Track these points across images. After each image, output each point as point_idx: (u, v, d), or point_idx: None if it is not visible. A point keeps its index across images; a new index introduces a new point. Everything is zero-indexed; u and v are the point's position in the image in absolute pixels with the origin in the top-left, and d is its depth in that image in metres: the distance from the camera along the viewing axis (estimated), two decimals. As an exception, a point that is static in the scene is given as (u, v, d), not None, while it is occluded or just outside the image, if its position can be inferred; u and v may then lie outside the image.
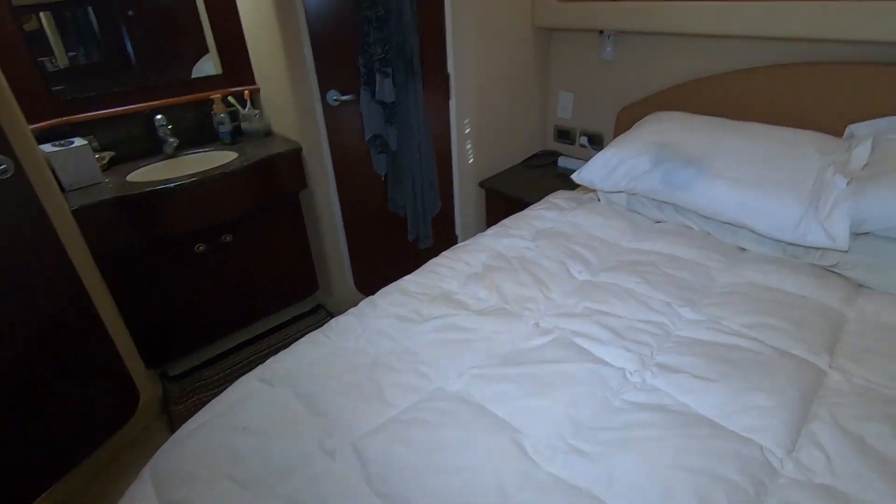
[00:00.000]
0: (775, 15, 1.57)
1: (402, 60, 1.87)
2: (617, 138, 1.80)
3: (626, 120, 2.15)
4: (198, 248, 1.91)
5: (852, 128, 1.56)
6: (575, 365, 1.09)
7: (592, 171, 1.74)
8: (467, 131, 2.20)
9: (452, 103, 2.12)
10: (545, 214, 1.78)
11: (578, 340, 1.17)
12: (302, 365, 1.15)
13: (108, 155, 1.85)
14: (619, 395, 1.03)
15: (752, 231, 1.44)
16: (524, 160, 2.53)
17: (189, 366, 2.09)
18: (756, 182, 1.42)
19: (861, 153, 1.43)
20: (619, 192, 1.73)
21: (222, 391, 1.11)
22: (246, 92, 2.10)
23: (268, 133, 2.17)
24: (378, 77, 1.84)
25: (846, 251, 1.30)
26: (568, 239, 1.61)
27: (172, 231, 1.77)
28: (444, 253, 1.61)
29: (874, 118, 1.53)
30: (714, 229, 1.57)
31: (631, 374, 1.08)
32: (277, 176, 1.98)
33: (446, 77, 2.06)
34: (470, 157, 2.27)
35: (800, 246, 1.39)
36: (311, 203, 2.13)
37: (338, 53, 1.87)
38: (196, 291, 1.99)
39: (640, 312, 1.25)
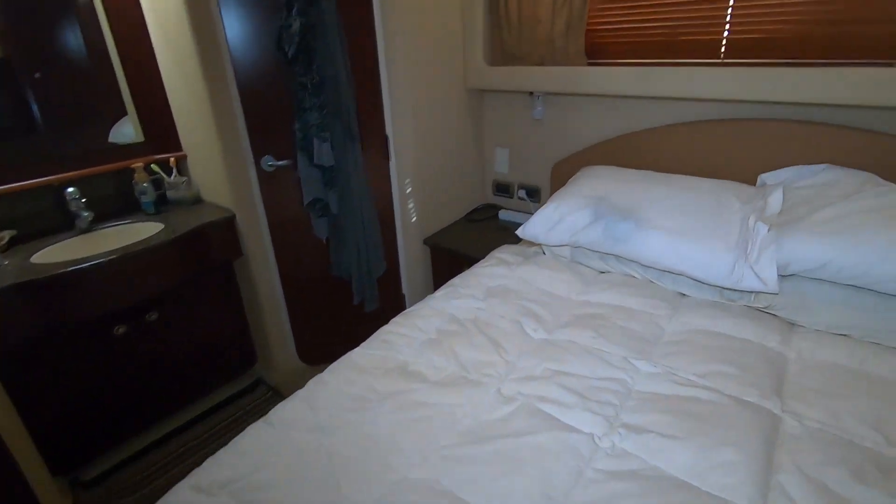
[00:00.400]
0: (691, 79, 1.72)
1: (340, 124, 1.86)
2: (556, 193, 1.85)
3: (561, 173, 2.24)
4: (117, 330, 1.72)
5: (763, 177, 1.71)
6: (543, 435, 1.05)
7: (536, 226, 1.78)
8: (408, 190, 2.19)
9: (392, 164, 2.11)
10: (494, 271, 1.78)
11: (543, 406, 1.13)
12: (245, 466, 1.02)
13: (7, 234, 1.64)
14: (590, 465, 0.99)
15: (691, 278, 1.51)
16: (466, 215, 2.55)
17: (108, 466, 1.82)
18: (690, 232, 1.50)
19: (775, 201, 1.56)
20: (564, 245, 1.76)
21: (149, 499, 0.95)
22: (171, 159, 1.98)
23: (197, 201, 2.04)
24: (316, 142, 1.80)
25: (777, 293, 1.38)
26: (519, 296, 1.60)
27: (87, 315, 1.58)
28: (394, 319, 1.55)
29: (780, 168, 1.68)
30: (655, 277, 1.63)
31: (599, 438, 1.05)
32: (209, 245, 1.85)
33: (385, 139, 2.07)
34: (413, 216, 2.25)
35: (735, 290, 1.46)
36: (246, 271, 2.01)
37: (272, 118, 1.83)
38: (115, 379, 1.77)
39: (599, 369, 1.24)
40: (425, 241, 2.33)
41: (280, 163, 1.87)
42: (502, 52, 2.18)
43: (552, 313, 1.52)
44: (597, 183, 1.81)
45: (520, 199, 2.51)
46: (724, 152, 1.79)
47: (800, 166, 1.63)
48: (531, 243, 1.99)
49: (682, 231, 1.51)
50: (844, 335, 1.32)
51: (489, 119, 2.46)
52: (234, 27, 1.66)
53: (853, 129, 1.55)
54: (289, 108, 1.82)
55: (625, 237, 1.58)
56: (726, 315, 1.43)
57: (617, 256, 1.68)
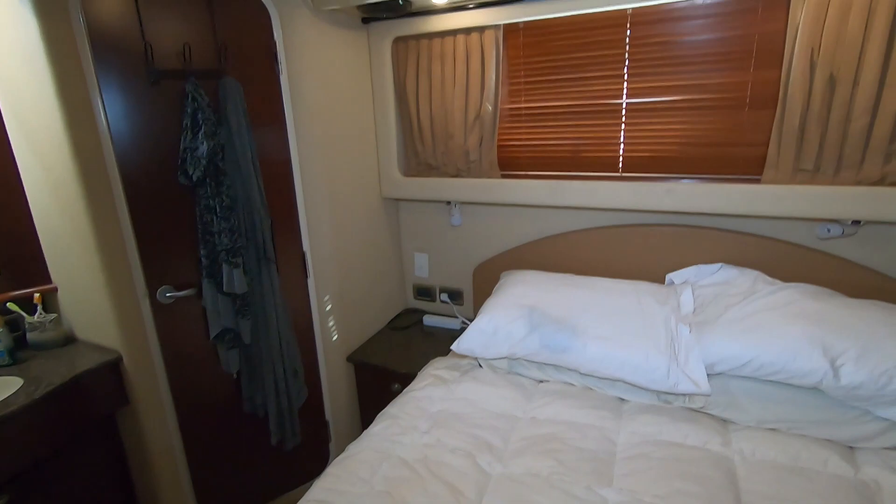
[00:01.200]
0: (594, 191, 1.87)
1: (253, 247, 1.70)
2: (485, 304, 1.84)
3: (483, 276, 2.26)
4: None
5: (670, 276, 1.86)
6: None
7: (472, 341, 1.72)
8: (329, 308, 2.04)
9: (311, 281, 1.97)
10: (433, 393, 1.66)
11: (522, 570, 1.01)
12: None
13: None
14: None
15: (631, 385, 1.53)
16: (389, 322, 2.44)
17: None
18: (624, 338, 1.54)
19: (686, 300, 1.69)
20: (502, 358, 1.72)
21: None
22: (36, 295, 1.65)
23: (69, 341, 1.70)
24: (226, 268, 1.62)
25: (710, 394, 1.44)
26: (465, 421, 1.50)
27: None
28: (329, 470, 1.35)
29: (682, 267, 1.85)
30: (593, 384, 1.63)
31: None
32: (85, 398, 1.52)
33: (302, 255, 1.93)
34: (334, 334, 2.09)
35: (670, 393, 1.51)
36: (134, 423, 1.66)
37: (172, 244, 1.62)
38: None
39: (567, 507, 1.16)
40: (349, 359, 2.16)
41: (181, 293, 1.65)
42: (418, 162, 2.22)
43: (503, 438, 1.43)
44: (524, 291, 1.83)
45: (442, 302, 2.47)
46: (630, 254, 1.93)
47: (699, 266, 1.81)
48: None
49: (617, 338, 1.55)
50: (774, 430, 1.39)
51: (407, 226, 2.45)
52: (125, 141, 1.48)
53: (736, 233, 1.76)
54: (193, 232, 1.63)
55: (563, 347, 1.58)
56: (668, 419, 1.45)
57: (556, 366, 1.67)
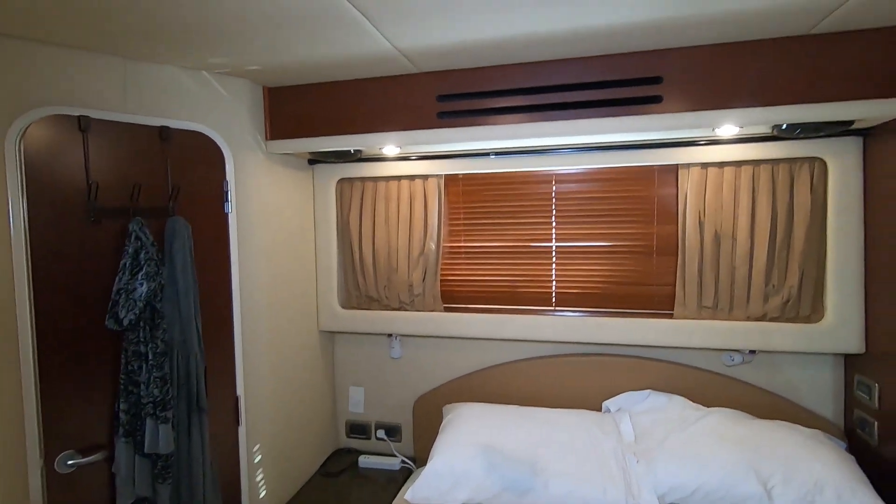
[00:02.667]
0: (531, 325, 2.00)
1: (185, 397, 1.52)
2: (437, 444, 1.78)
3: (424, 409, 2.20)
4: None
5: (605, 403, 1.98)
6: None
7: (429, 488, 1.63)
8: (258, 459, 1.83)
9: (242, 430, 1.77)
10: (388, 556, 1.50)
11: None
12: None
13: None
14: None
15: (595, 525, 1.53)
16: (320, 468, 2.22)
17: None
18: (582, 474, 1.58)
19: (626, 429, 1.79)
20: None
21: None
22: None
23: None
24: (150, 424, 1.41)
25: (667, 527, 1.49)
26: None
27: None
28: None
29: (615, 394, 1.98)
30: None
31: None
32: None
33: (235, 401, 1.75)
34: (262, 490, 1.84)
35: (631, 529, 1.53)
36: None
37: (85, 399, 1.39)
38: None
39: None
40: (278, 519, 1.89)
41: (87, 459, 1.38)
42: (358, 296, 2.22)
43: None
44: (474, 427, 1.82)
45: (379, 439, 2.32)
46: (567, 383, 2.04)
47: (630, 393, 1.95)
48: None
49: (575, 474, 1.58)
50: (727, 558, 1.46)
51: (342, 360, 2.36)
52: (49, 281, 1.32)
53: (658, 361, 1.97)
54: (112, 384, 1.43)
55: (526, 488, 1.56)
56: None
57: (514, 507, 1.62)
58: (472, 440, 1.73)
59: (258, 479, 1.83)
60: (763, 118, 1.47)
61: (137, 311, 1.40)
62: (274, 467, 1.89)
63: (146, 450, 1.41)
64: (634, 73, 1.54)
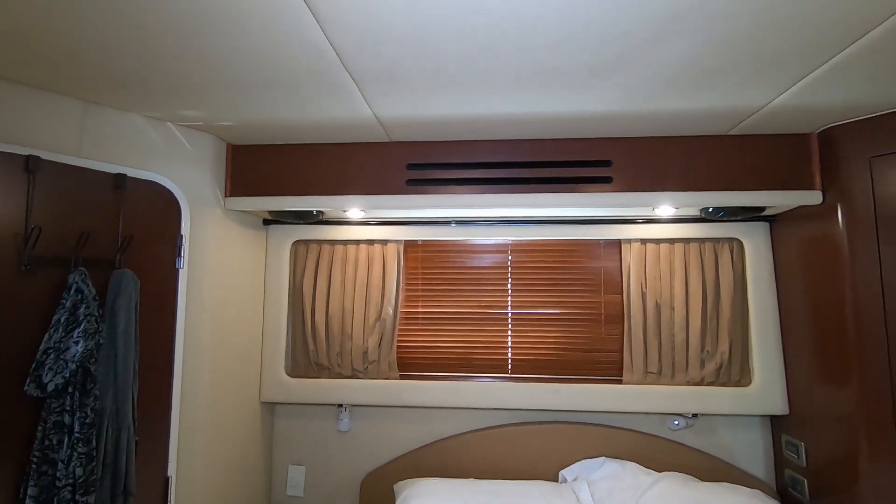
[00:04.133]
0: (491, 393, 1.99)
1: (109, 478, 1.30)
2: (395, 524, 1.65)
3: (373, 487, 2.05)
4: None
5: (563, 472, 1.97)
6: None
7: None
8: (186, 553, 1.57)
9: (170, 519, 1.53)
10: None
11: None
12: None
13: None
14: None
15: None
16: (249, 566, 1.94)
17: None
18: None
19: (585, 498, 1.78)
20: None
21: None
22: None
23: None
24: (64, 512, 1.19)
25: None
26: None
27: None
28: None
29: (569, 462, 1.98)
30: None
31: None
32: None
33: (165, 483, 1.52)
34: (186, 593, 1.57)
35: None
36: None
37: (-21, 484, 1.15)
38: None
39: None
40: None
41: (-26, 561, 1.12)
42: (307, 363, 2.10)
43: None
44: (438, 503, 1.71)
45: (319, 527, 2.10)
46: (522, 452, 2.01)
47: (584, 461, 1.96)
48: None
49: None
50: None
51: (282, 435, 2.16)
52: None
53: (610, 427, 2.02)
54: (17, 464, 1.20)
55: (493, 570, 1.47)
56: None
57: None
58: (434, 518, 1.63)
59: (182, 581, 1.56)
60: (691, 201, 1.69)
61: (67, 374, 1.22)
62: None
63: (55, 546, 1.17)
64: (589, 156, 1.73)
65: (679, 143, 1.70)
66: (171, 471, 1.55)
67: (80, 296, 1.27)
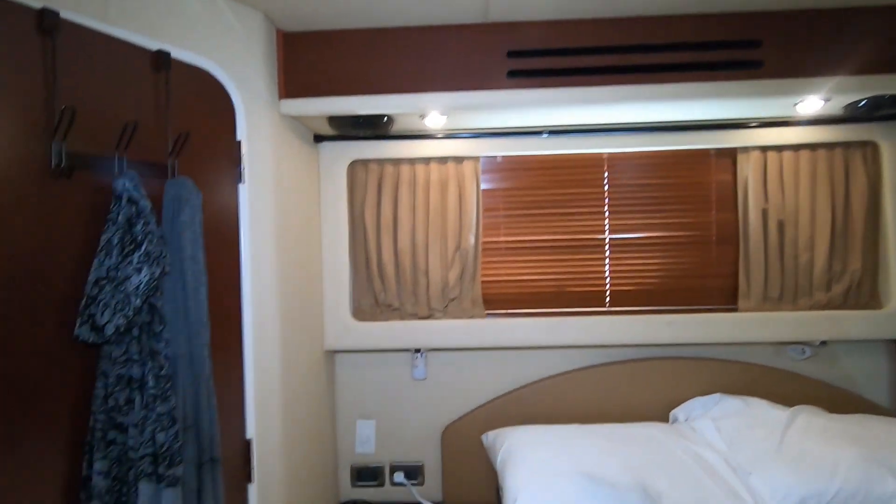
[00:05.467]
0: (590, 329, 1.75)
1: (192, 444, 1.01)
2: (511, 482, 1.41)
3: (455, 441, 1.82)
4: None
5: (674, 412, 1.76)
6: None
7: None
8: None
9: (253, 489, 1.25)
10: None
11: None
12: None
13: None
14: None
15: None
16: (326, 531, 1.71)
17: None
18: (700, 496, 1.32)
19: (715, 439, 1.58)
20: None
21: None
22: None
23: None
24: (146, 490, 0.90)
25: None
26: None
27: None
28: None
29: (678, 401, 1.78)
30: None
31: None
32: None
33: (246, 447, 1.25)
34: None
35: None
36: None
37: (22, 463, 0.84)
38: None
39: None
40: None
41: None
42: (373, 304, 1.81)
43: None
44: (549, 454, 1.48)
45: (395, 484, 1.87)
46: (624, 393, 1.80)
47: (697, 399, 1.76)
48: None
49: (696, 496, 1.32)
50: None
51: (347, 387, 1.89)
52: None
53: (722, 361, 1.80)
54: (71, 433, 0.90)
55: (648, 524, 1.26)
56: None
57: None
58: (562, 469, 1.40)
59: (270, 558, 1.31)
60: (862, 87, 1.40)
61: (131, 313, 0.90)
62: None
63: (140, 532, 0.88)
64: (732, 36, 1.41)
65: (847, 16, 1.39)
66: (251, 432, 1.26)
67: (133, 208, 0.93)
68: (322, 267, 1.76)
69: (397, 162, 1.78)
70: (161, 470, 0.91)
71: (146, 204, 0.95)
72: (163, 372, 0.93)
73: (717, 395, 1.74)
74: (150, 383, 0.92)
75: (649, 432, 1.61)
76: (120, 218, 0.92)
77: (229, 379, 1.21)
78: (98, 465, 0.89)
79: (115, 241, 0.91)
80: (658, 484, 1.35)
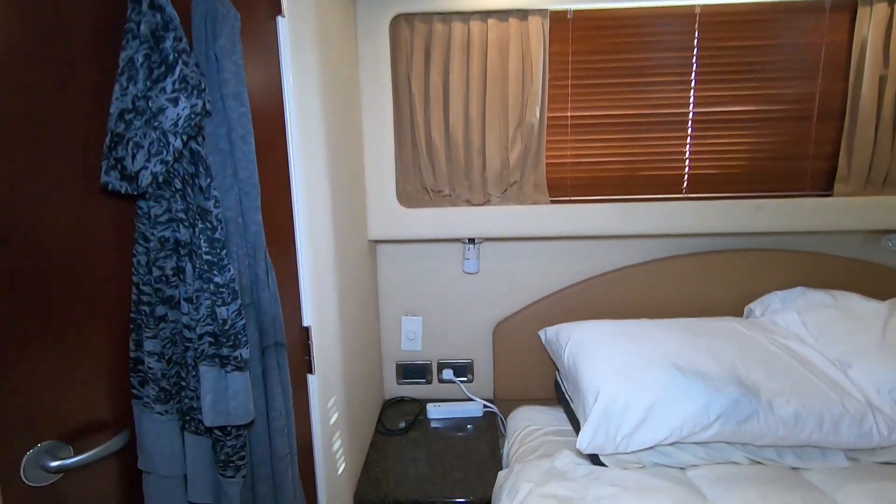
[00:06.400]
0: (665, 216, 1.56)
1: (252, 324, 0.85)
2: (588, 375, 1.29)
3: (510, 335, 1.70)
4: None
5: (751, 307, 1.63)
6: None
7: (611, 429, 1.16)
8: (334, 419, 1.21)
9: (314, 379, 1.13)
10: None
11: None
12: None
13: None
14: None
15: (837, 448, 1.18)
16: (377, 426, 1.64)
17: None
18: (803, 390, 1.20)
19: (799, 331, 1.45)
20: (659, 445, 1.19)
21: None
22: None
23: None
24: (209, 374, 0.75)
25: (915, 439, 1.18)
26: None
27: None
28: None
29: (756, 296, 1.64)
30: (765, 456, 1.22)
31: None
32: None
33: (305, 335, 1.10)
34: (340, 463, 1.24)
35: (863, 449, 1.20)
36: None
37: (52, 340, 0.68)
38: None
39: None
40: (359, 502, 1.31)
41: (84, 457, 0.69)
42: (419, 189, 1.60)
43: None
44: (628, 347, 1.36)
45: (443, 381, 1.79)
46: (696, 288, 1.65)
47: (776, 293, 1.61)
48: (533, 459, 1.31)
49: (797, 390, 1.20)
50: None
51: (391, 280, 1.74)
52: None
53: (806, 253, 1.64)
54: (113, 306, 0.73)
55: (746, 414, 1.15)
56: (882, 483, 1.13)
57: (709, 443, 1.21)
58: (648, 361, 1.28)
59: (335, 447, 1.22)
60: None
61: (170, 158, 0.69)
62: (348, 430, 1.29)
63: (208, 422, 0.74)
64: None
65: None
66: (308, 320, 1.11)
67: (159, 16, 0.69)
68: (363, 144, 1.53)
69: (448, 17, 1.48)
70: (225, 351, 0.75)
71: (173, 12, 0.70)
72: (217, 235, 0.74)
73: (798, 289, 1.60)
74: (204, 248, 0.73)
75: (730, 325, 1.48)
76: (142, 28, 0.68)
77: (282, 260, 1.03)
78: (149, 346, 0.73)
79: (140, 59, 0.68)
80: (753, 375, 1.24)
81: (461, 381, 1.78)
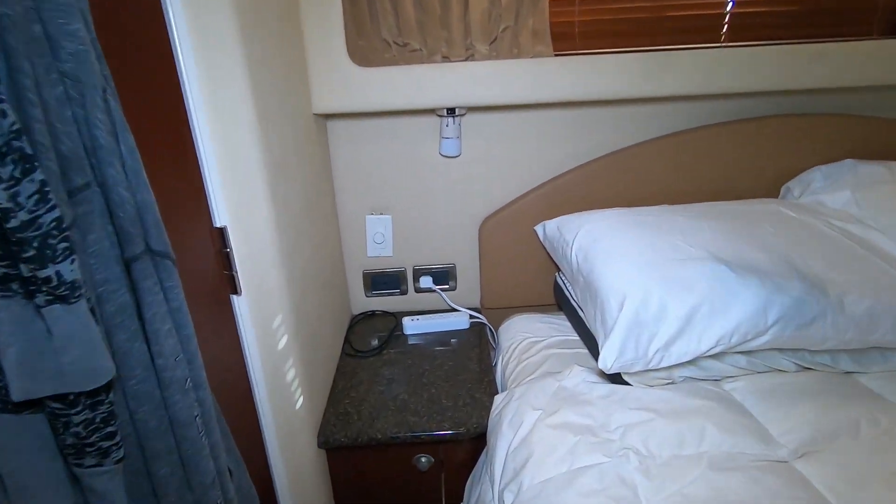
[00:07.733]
0: (696, 72, 1.20)
1: (102, 229, 0.50)
2: (610, 277, 1.01)
3: (498, 232, 1.40)
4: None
5: (788, 185, 1.36)
6: None
7: (642, 341, 0.91)
8: (283, 343, 0.91)
9: (240, 300, 0.80)
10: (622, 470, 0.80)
11: None
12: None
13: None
14: None
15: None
16: (343, 346, 1.37)
17: None
18: (868, 283, 0.96)
19: (853, 211, 1.20)
20: (701, 356, 0.95)
21: None
22: None
23: None
24: (21, 314, 0.41)
25: None
26: None
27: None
28: None
29: (793, 170, 1.36)
30: (816, 362, 1.01)
31: None
32: None
33: (220, 235, 0.75)
34: (298, 397, 0.96)
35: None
36: None
37: None
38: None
39: None
40: (324, 444, 1.06)
41: None
42: (376, 44, 1.18)
43: None
44: (661, 236, 1.08)
45: (422, 290, 1.51)
46: (722, 164, 1.35)
47: (817, 168, 1.34)
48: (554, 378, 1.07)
49: (863, 284, 0.96)
50: None
51: (347, 168, 1.37)
52: None
53: (856, 117, 1.34)
54: None
55: (815, 313, 0.91)
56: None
57: (752, 351, 0.99)
58: (684, 256, 1.00)
59: (288, 377, 0.93)
60: None
61: None
62: (304, 355, 1.00)
63: (18, 395, 0.42)
64: None
65: None
66: (222, 220, 0.76)
67: None
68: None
69: None
70: (25, 270, 0.41)
71: None
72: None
73: (848, 161, 1.32)
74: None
75: (772, 208, 1.21)
76: None
77: (162, 122, 0.65)
78: None
79: None
80: (813, 266, 0.98)
81: (442, 290, 1.50)
